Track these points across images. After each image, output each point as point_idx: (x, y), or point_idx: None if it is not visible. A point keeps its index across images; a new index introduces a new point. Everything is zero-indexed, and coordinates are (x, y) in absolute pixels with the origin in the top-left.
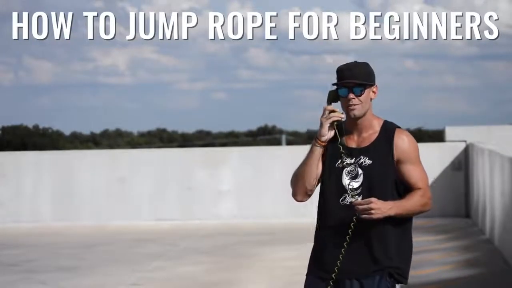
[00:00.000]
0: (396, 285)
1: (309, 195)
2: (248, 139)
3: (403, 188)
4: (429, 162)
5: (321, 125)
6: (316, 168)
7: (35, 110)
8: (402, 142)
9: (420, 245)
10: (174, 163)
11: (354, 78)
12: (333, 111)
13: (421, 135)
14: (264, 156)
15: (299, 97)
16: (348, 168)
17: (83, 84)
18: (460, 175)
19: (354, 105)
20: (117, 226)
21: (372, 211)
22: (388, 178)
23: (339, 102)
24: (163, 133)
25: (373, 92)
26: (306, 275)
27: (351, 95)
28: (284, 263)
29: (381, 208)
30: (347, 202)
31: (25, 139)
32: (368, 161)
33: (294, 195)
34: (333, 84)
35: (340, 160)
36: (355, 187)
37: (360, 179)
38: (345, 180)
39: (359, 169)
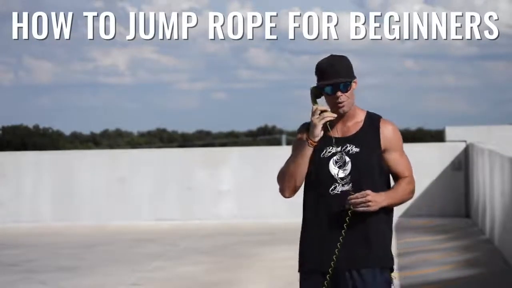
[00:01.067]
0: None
1: (296, 191)
2: (248, 139)
3: (389, 176)
4: (429, 162)
5: (315, 126)
6: (306, 166)
7: (35, 110)
8: (388, 131)
9: (420, 245)
10: (174, 163)
11: (338, 74)
12: (324, 110)
13: (423, 135)
14: (264, 156)
15: (299, 97)
16: (335, 157)
17: (83, 84)
18: (460, 175)
19: (343, 101)
20: (117, 226)
21: (370, 203)
22: (376, 165)
23: (322, 97)
24: (163, 133)
25: (355, 83)
26: (301, 272)
27: (339, 93)
28: (284, 263)
29: (376, 200)
30: (337, 191)
31: (25, 139)
32: (355, 149)
33: (283, 191)
34: (318, 84)
35: (325, 150)
36: (344, 175)
37: (348, 167)
38: (333, 170)
39: (346, 157)
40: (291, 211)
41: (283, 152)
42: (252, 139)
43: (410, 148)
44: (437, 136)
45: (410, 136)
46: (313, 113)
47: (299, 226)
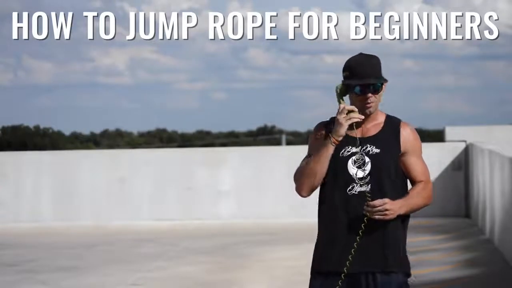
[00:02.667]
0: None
1: (314, 190)
2: (248, 139)
3: (406, 179)
4: (429, 162)
5: (341, 125)
6: (327, 164)
7: (35, 110)
8: (408, 134)
9: (420, 245)
10: (174, 163)
11: (370, 75)
12: (351, 110)
13: (422, 135)
14: (264, 156)
15: (299, 97)
16: (354, 157)
17: (83, 84)
18: (460, 175)
19: (371, 103)
20: (117, 226)
21: (387, 212)
22: (394, 167)
23: (347, 95)
24: (163, 133)
25: (384, 85)
26: (314, 273)
27: (369, 94)
28: (284, 263)
29: (393, 208)
30: (355, 191)
31: (25, 139)
32: (375, 150)
33: (300, 191)
34: (346, 82)
35: (344, 150)
36: (363, 176)
37: (368, 167)
38: (352, 170)
39: (366, 157)
40: (291, 211)
41: (283, 152)
42: (252, 139)
43: None
44: (437, 136)
45: None
46: (340, 112)
47: (299, 226)
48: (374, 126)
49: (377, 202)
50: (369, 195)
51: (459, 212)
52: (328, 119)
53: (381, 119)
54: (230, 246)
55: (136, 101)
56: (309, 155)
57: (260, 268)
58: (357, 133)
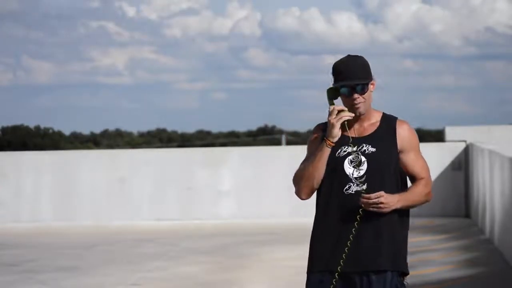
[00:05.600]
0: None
1: (313, 192)
2: (248, 139)
3: (404, 177)
4: (429, 162)
5: (333, 126)
6: (324, 167)
7: (34, 110)
8: (404, 132)
9: (420, 245)
10: (174, 163)
11: (354, 76)
12: (342, 110)
13: (422, 135)
14: (264, 156)
15: (299, 97)
16: (350, 156)
17: (83, 84)
18: (460, 175)
19: (359, 103)
20: (117, 226)
21: (381, 205)
22: (392, 165)
23: (339, 98)
24: (163, 133)
25: (372, 85)
26: (310, 272)
27: (356, 95)
28: (284, 263)
29: (389, 202)
30: (352, 191)
31: (26, 139)
32: (371, 149)
33: (300, 194)
34: (334, 85)
35: (341, 150)
36: (359, 175)
37: (364, 166)
38: (348, 169)
39: (362, 156)
40: (291, 211)
41: (283, 152)
42: (252, 139)
43: None
44: (437, 136)
45: None
46: (330, 113)
47: (299, 226)
48: (370, 125)
49: (373, 194)
50: (364, 192)
51: (459, 212)
52: (325, 121)
53: (377, 118)
54: (230, 246)
55: (136, 101)
56: (307, 158)
57: (260, 268)
58: (349, 132)
